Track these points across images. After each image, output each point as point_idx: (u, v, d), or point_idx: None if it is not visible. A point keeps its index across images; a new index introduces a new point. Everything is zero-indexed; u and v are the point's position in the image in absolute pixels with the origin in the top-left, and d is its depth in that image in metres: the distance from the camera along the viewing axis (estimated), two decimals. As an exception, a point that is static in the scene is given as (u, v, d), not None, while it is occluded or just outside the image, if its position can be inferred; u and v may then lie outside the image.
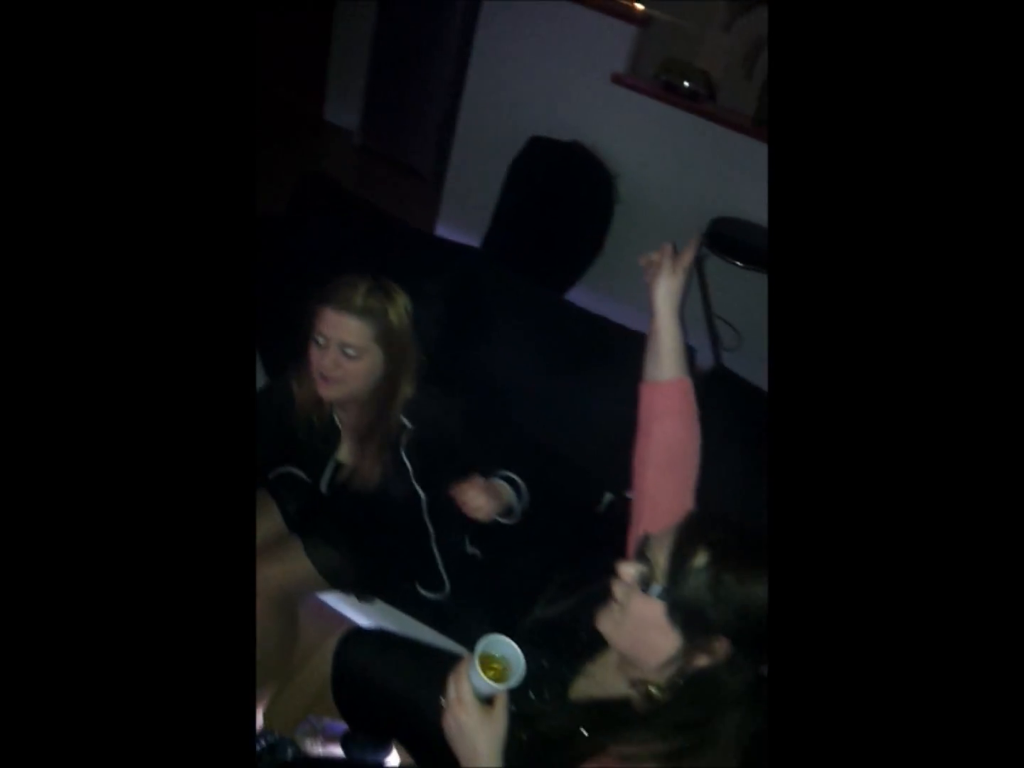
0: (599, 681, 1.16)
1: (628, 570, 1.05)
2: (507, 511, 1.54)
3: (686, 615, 1.00)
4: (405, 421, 1.58)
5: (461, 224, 3.53)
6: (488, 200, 3.18)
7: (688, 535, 1.02)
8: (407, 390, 1.57)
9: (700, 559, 0.99)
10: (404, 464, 1.59)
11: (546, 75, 3.20)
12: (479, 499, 1.44)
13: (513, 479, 1.58)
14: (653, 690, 1.04)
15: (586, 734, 1.07)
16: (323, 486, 1.67)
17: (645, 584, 1.02)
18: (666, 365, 1.26)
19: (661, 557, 1.02)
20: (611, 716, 1.08)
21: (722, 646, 1.00)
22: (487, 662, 1.07)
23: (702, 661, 1.01)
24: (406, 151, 4.27)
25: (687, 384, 1.27)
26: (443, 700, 1.09)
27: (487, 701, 1.07)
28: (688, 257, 1.23)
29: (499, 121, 3.34)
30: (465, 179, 3.58)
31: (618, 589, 1.06)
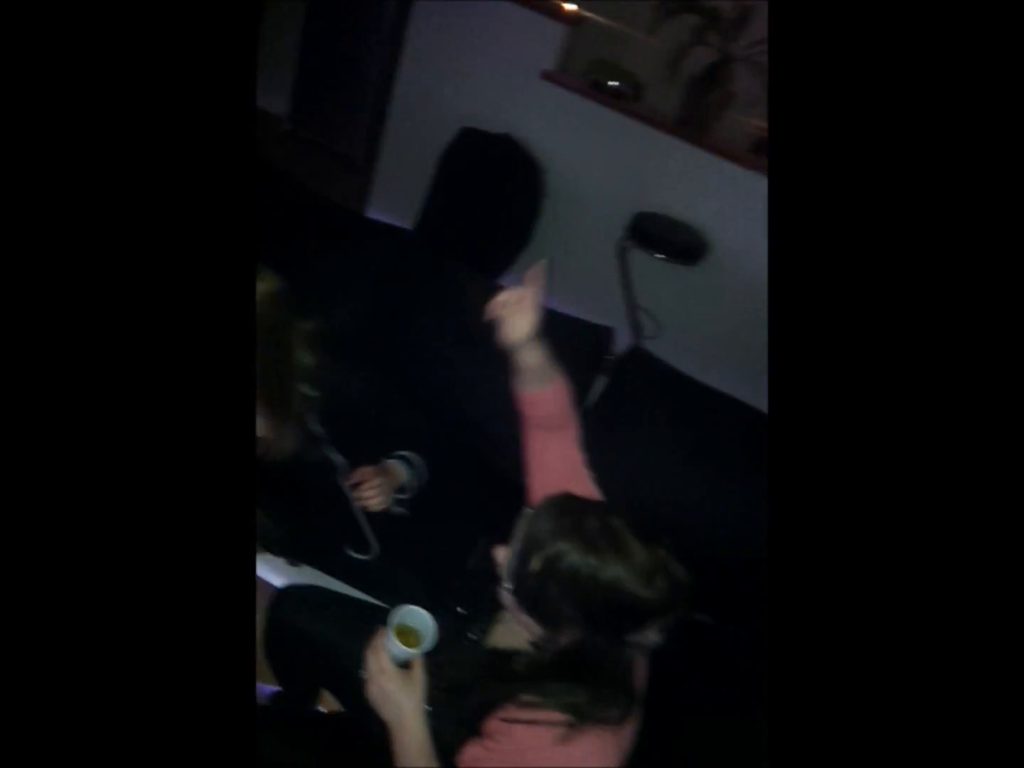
0: (509, 632, 1.24)
1: (500, 557, 1.13)
2: (400, 489, 1.63)
3: (531, 608, 1.09)
4: (308, 390, 1.58)
5: (391, 211, 3.56)
6: (418, 189, 3.22)
7: (530, 529, 1.08)
8: (306, 359, 1.56)
9: (535, 563, 1.05)
10: (314, 432, 1.62)
11: (478, 68, 3.26)
12: (368, 491, 1.53)
13: (406, 457, 1.66)
14: (537, 651, 1.14)
15: (493, 682, 1.16)
16: None
17: (505, 575, 1.11)
18: (535, 379, 1.33)
19: (513, 550, 1.10)
20: (511, 667, 1.17)
21: (574, 632, 1.07)
22: (401, 631, 1.17)
23: (564, 639, 1.09)
24: (337, 138, 4.26)
25: (558, 385, 1.35)
26: (364, 672, 1.18)
27: (405, 666, 1.17)
28: (533, 294, 1.26)
29: (431, 111, 3.39)
30: (396, 167, 3.62)
31: (500, 571, 1.13)
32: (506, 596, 1.12)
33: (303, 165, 4.00)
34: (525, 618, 1.11)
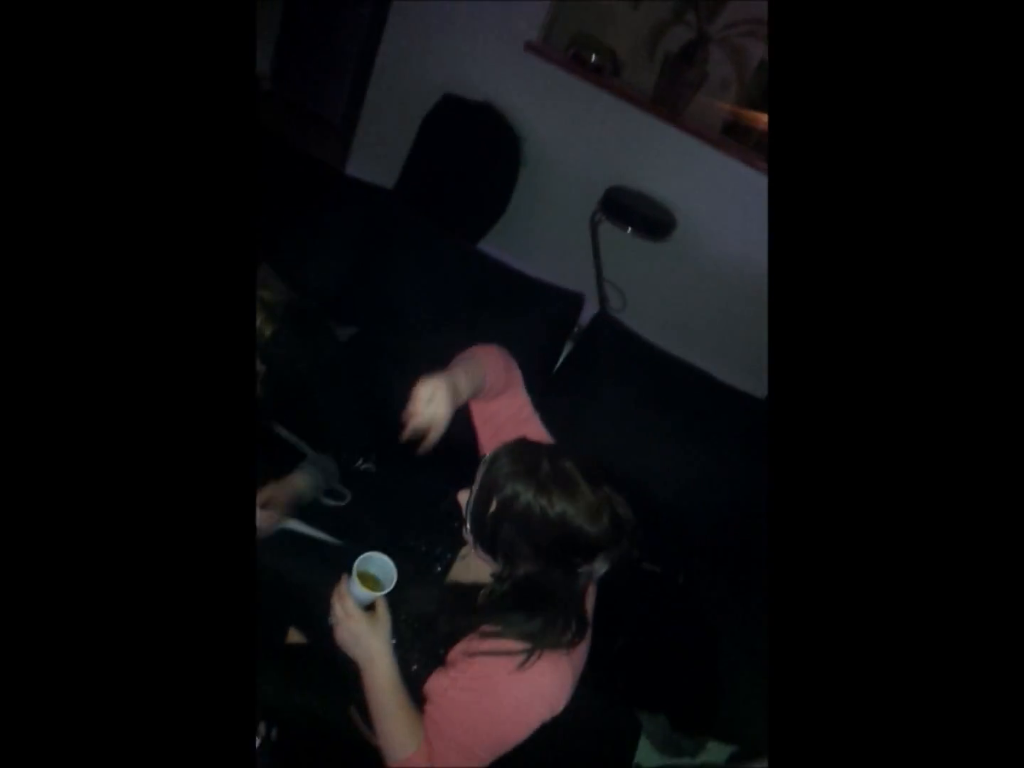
0: (469, 568, 1.34)
1: (461, 499, 1.22)
2: (308, 494, 1.70)
3: (487, 546, 1.18)
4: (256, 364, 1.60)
5: (369, 175, 3.61)
6: (397, 153, 3.27)
7: (487, 472, 1.17)
8: (264, 330, 1.58)
9: (493, 505, 1.14)
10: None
11: (462, 36, 3.29)
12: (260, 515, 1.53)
13: (305, 465, 1.71)
14: (496, 584, 1.21)
15: (455, 614, 1.24)
16: None
17: (465, 515, 1.20)
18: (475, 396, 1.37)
19: (471, 492, 1.19)
20: (472, 600, 1.25)
21: (528, 565, 1.16)
22: (364, 577, 1.23)
23: (521, 571, 1.17)
24: (317, 100, 4.27)
25: (492, 378, 1.37)
26: (331, 618, 1.24)
27: (370, 608, 1.24)
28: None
29: (413, 76, 3.42)
30: (376, 132, 3.65)
31: (463, 512, 1.22)
32: (468, 535, 1.21)
33: (282, 125, 4.01)
34: (484, 555, 1.20)
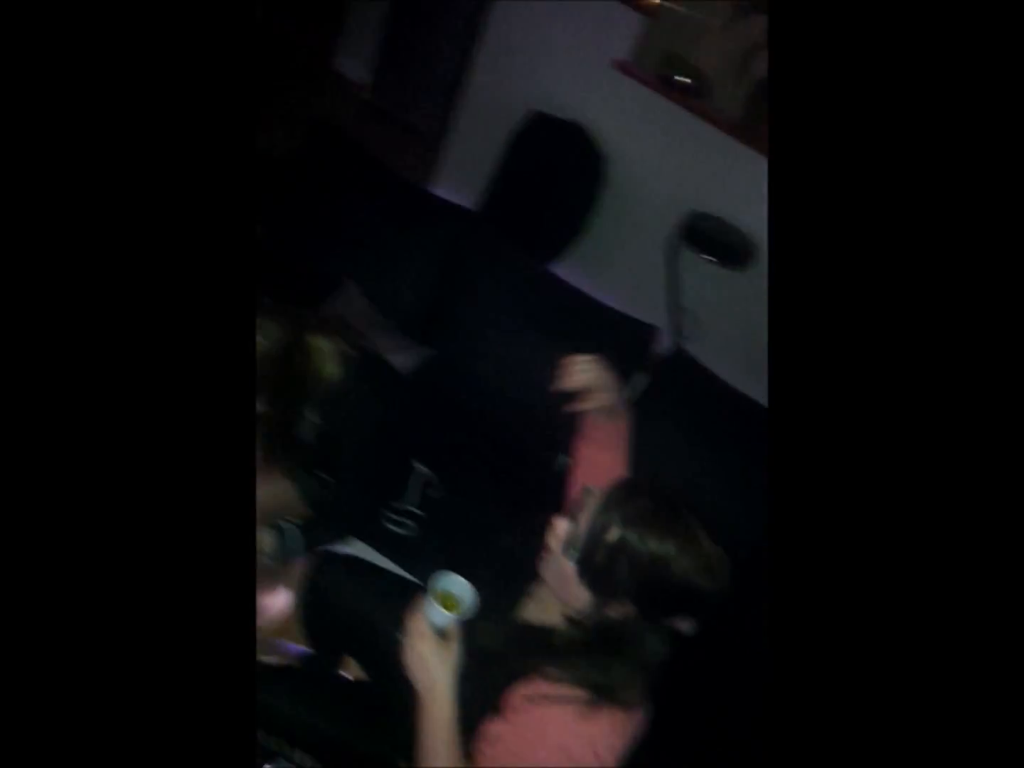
0: (541, 608, 1.31)
1: (559, 528, 1.20)
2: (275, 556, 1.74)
3: (593, 579, 1.15)
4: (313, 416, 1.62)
5: (455, 188, 3.67)
6: (484, 167, 3.31)
7: (607, 507, 1.15)
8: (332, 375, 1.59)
9: (613, 533, 1.12)
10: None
11: (554, 53, 3.31)
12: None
13: (279, 526, 1.75)
14: (571, 627, 1.20)
15: (521, 654, 1.22)
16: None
17: (566, 546, 1.18)
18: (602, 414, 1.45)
19: (582, 525, 1.17)
20: (541, 641, 1.23)
21: (626, 607, 1.15)
22: (441, 597, 1.20)
23: (612, 613, 1.16)
24: (411, 110, 4.37)
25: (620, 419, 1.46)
26: (401, 635, 1.22)
27: (442, 634, 1.21)
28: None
29: (504, 92, 3.45)
30: (464, 144, 3.70)
31: (551, 541, 1.21)
32: (557, 566, 1.18)
33: (373, 134, 4.11)
34: (576, 589, 1.17)
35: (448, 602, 1.20)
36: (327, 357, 1.56)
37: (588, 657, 1.16)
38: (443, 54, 4.09)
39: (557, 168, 3.21)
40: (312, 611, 1.65)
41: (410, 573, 1.79)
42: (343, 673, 1.76)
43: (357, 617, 1.57)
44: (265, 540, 1.67)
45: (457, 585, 1.22)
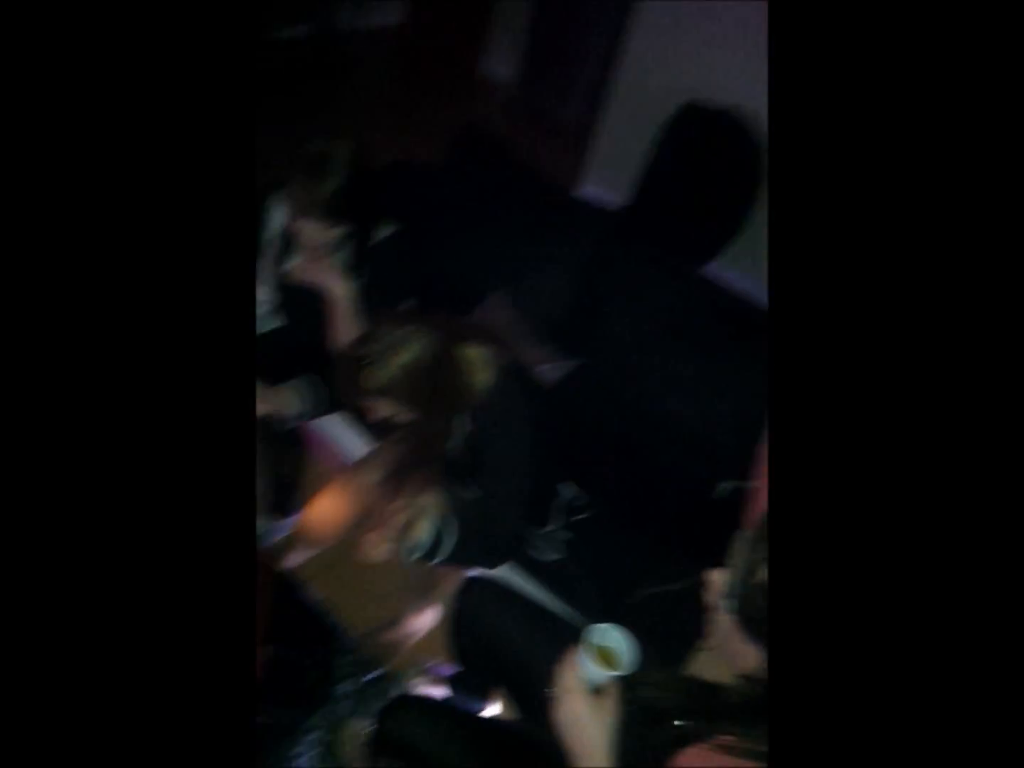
0: (718, 662, 1.14)
1: (715, 579, 1.05)
2: (300, 416, 1.81)
3: (756, 632, 0.99)
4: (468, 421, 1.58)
5: (604, 183, 3.58)
6: (633, 161, 3.17)
7: (756, 545, 0.99)
8: (479, 383, 1.55)
9: (764, 573, 0.96)
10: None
11: (704, 39, 3.14)
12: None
13: (295, 384, 1.81)
14: (749, 685, 1.03)
15: (691, 714, 1.06)
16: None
17: (723, 595, 1.02)
18: None
19: (735, 569, 1.01)
20: (714, 699, 1.08)
21: None
22: (598, 652, 1.08)
23: None
24: (559, 107, 4.30)
25: None
26: (552, 690, 1.11)
27: (597, 690, 1.09)
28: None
29: (653, 82, 3.31)
30: (613, 138, 3.58)
31: (710, 596, 1.06)
32: (722, 621, 1.04)
33: (521, 134, 4.07)
34: (741, 646, 1.02)
35: (606, 657, 1.09)
36: (479, 365, 1.53)
37: (760, 719, 0.99)
38: (590, 50, 3.99)
39: (710, 160, 3.03)
40: (459, 633, 1.59)
41: (559, 599, 1.71)
42: (491, 708, 1.71)
43: (506, 647, 1.49)
44: (288, 395, 1.80)
45: (616, 640, 1.10)
